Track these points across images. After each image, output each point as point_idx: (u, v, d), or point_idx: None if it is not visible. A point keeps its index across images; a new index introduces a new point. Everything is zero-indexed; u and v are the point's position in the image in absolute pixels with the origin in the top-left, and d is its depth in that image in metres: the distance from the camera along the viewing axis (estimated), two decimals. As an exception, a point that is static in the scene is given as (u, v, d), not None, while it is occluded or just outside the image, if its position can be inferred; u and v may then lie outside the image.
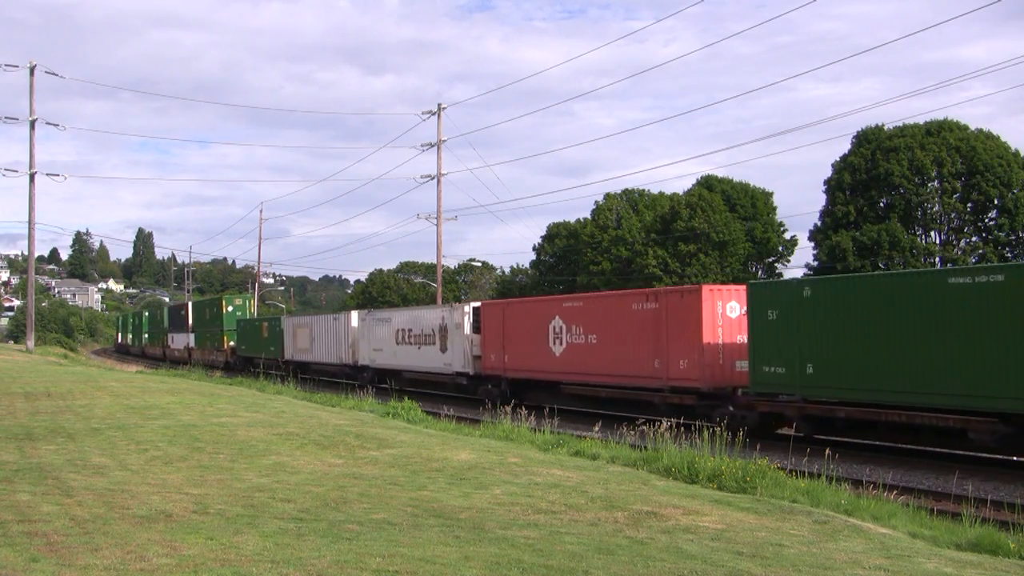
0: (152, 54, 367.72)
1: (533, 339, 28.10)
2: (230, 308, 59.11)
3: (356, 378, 39.70)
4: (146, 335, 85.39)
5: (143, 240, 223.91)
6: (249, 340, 53.73)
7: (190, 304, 71.08)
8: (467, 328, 31.33)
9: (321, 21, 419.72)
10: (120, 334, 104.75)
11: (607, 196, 77.90)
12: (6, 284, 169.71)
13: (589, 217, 78.73)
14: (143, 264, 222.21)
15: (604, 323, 25.65)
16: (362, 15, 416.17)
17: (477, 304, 32.23)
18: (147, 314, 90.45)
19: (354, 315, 41.12)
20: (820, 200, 62.37)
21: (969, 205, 57.00)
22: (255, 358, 52.15)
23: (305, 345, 45.84)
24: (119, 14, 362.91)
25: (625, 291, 30.99)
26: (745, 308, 21.33)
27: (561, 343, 27.08)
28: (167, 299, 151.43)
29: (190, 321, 66.85)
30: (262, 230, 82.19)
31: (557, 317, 27.36)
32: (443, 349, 32.75)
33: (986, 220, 57.25)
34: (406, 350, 35.67)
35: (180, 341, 69.32)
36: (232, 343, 56.88)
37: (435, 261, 55.45)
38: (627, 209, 76.11)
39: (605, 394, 26.13)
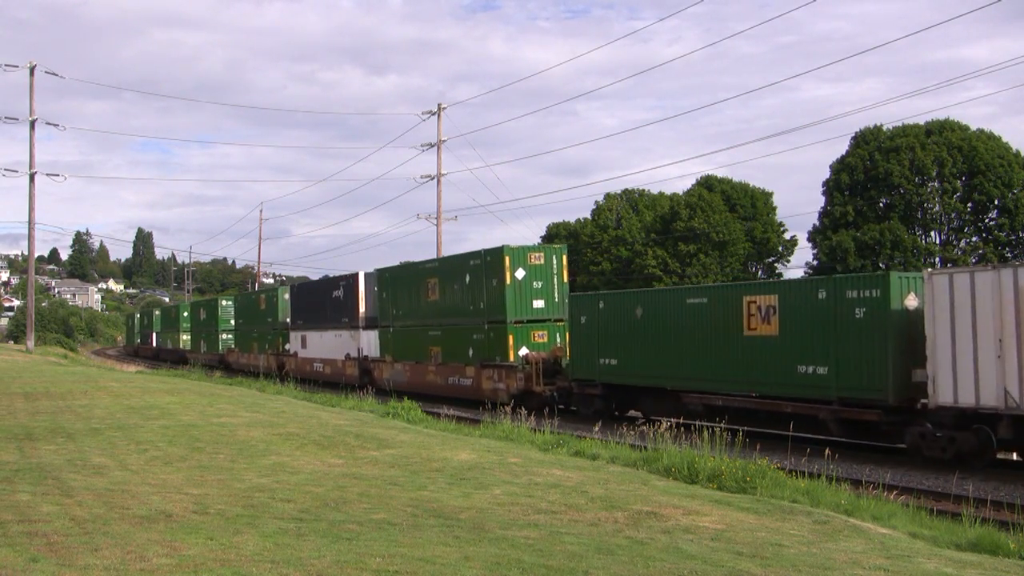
0: (155, 54, 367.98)
1: None
2: (520, 273, 28.56)
3: None
4: (227, 335, 57.83)
5: (143, 240, 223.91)
6: (647, 346, 23.24)
7: (365, 276, 38.01)
8: None
9: (324, 21, 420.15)
10: (154, 334, 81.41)
11: (607, 196, 78.06)
12: (6, 284, 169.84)
13: (589, 217, 78.85)
14: (143, 264, 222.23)
15: None
16: (366, 15, 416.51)
17: None
18: (227, 303, 60.49)
19: None
20: (820, 200, 62.49)
21: (969, 205, 57.05)
22: (703, 397, 21.65)
23: None
24: (123, 14, 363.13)
25: None
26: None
27: None
28: (167, 299, 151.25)
29: (363, 308, 37.53)
30: (262, 230, 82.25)
31: None
32: None
33: (986, 220, 57.30)
34: None
35: (331, 346, 39.70)
36: (547, 357, 27.20)
37: (435, 261, 55.26)
38: (627, 209, 76.22)
39: None
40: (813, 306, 19.04)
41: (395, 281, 35.41)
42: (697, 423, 20.66)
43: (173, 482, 10.90)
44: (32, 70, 51.24)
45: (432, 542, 8.06)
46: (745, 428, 18.95)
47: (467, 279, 30.27)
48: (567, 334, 27.29)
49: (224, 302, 60.97)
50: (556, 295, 28.58)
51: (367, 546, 7.75)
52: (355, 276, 38.28)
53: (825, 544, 8.94)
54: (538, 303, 28.50)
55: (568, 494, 10.93)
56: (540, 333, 28.41)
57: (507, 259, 28.23)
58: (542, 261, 28.81)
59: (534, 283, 28.47)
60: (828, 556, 8.35)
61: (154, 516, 8.75)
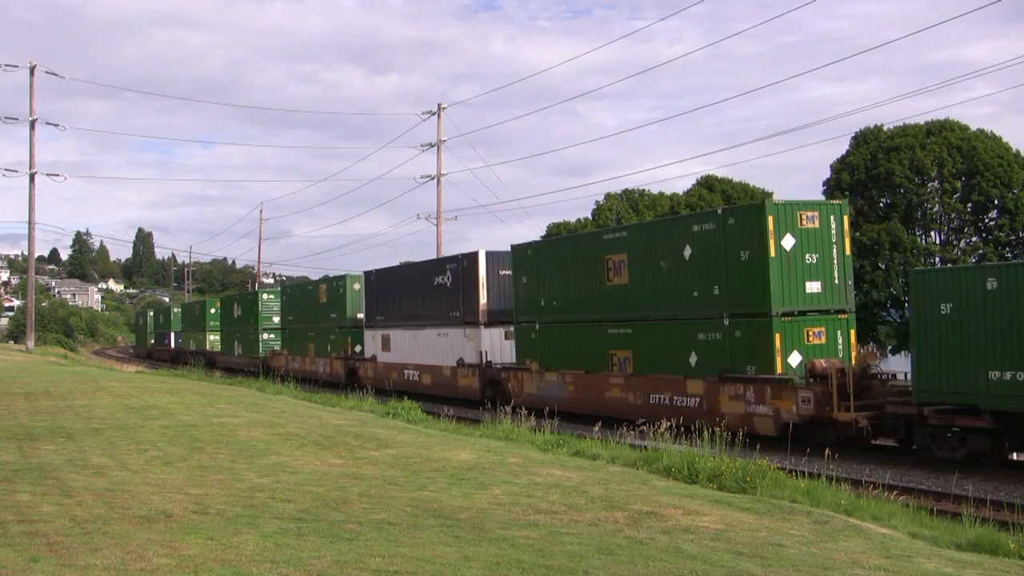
0: (157, 54, 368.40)
1: None
2: (789, 242, 19.32)
3: None
4: (270, 335, 48.70)
5: (143, 240, 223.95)
6: None
7: (487, 255, 29.77)
8: None
9: (326, 21, 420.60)
10: (172, 334, 71.11)
11: (608, 196, 78.07)
12: (6, 284, 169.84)
13: (589, 217, 78.84)
14: (143, 264, 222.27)
15: None
16: (367, 15, 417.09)
17: None
18: (271, 296, 50.70)
19: None
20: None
21: (969, 205, 57.02)
22: None
23: None
24: (124, 14, 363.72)
25: None
26: None
27: None
28: (167, 299, 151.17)
29: (484, 298, 29.40)
30: (262, 230, 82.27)
31: None
32: None
33: (986, 220, 57.27)
34: None
35: (432, 349, 31.70)
36: (853, 367, 18.36)
37: (435, 261, 55.12)
38: (627, 209, 76.20)
39: None
40: None
41: (544, 260, 26.17)
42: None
43: (173, 482, 10.91)
44: (32, 70, 51.25)
45: (432, 542, 8.06)
46: None
47: (687, 252, 21.09)
48: (852, 331, 19.87)
49: (266, 295, 50.71)
50: (836, 274, 19.80)
51: (367, 546, 7.75)
52: (474, 256, 29.62)
53: (825, 544, 8.94)
54: (813, 286, 19.52)
55: (568, 494, 10.93)
56: (816, 331, 19.52)
57: (771, 219, 19.09)
58: (817, 224, 19.53)
59: (807, 257, 19.38)
60: (828, 556, 8.35)
61: (154, 516, 8.75)
